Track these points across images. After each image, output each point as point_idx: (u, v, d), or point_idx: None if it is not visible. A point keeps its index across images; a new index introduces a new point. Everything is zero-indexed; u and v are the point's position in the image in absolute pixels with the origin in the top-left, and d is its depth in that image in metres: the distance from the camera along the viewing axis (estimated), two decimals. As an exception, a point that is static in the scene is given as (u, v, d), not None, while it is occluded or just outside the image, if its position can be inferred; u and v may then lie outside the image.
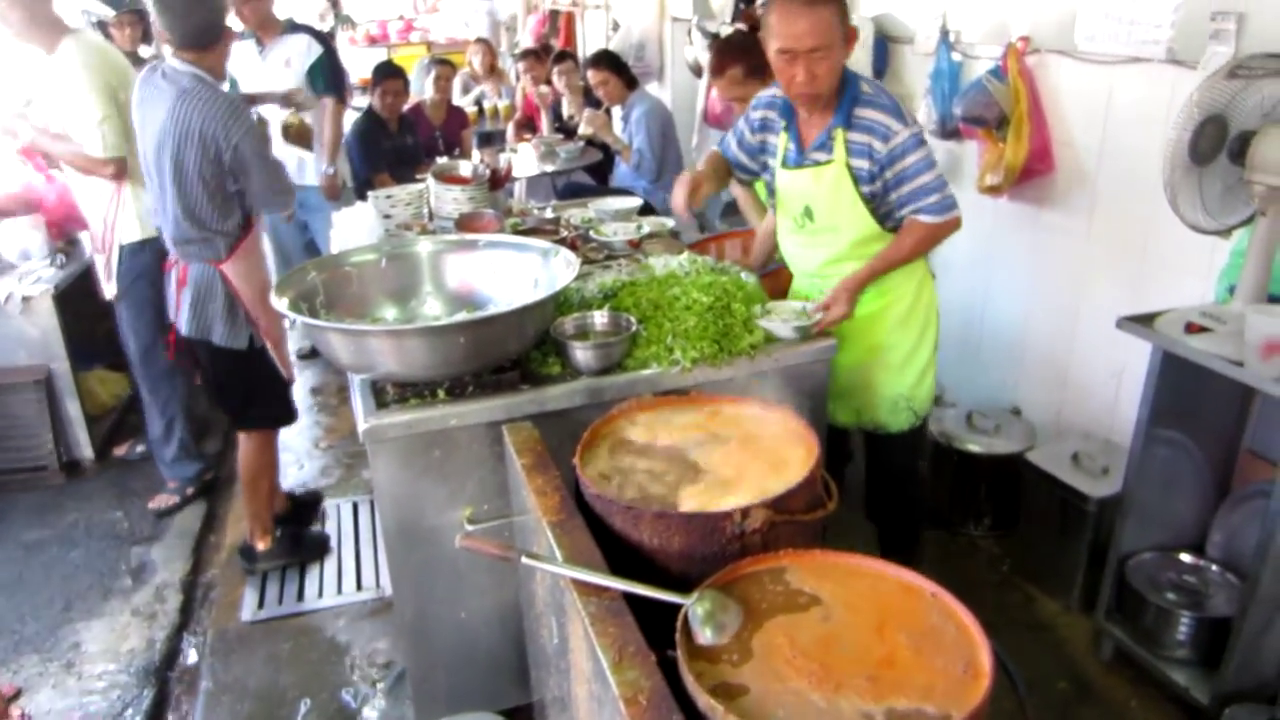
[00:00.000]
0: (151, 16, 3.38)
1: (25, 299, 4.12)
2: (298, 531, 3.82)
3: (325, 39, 4.90)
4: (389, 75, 5.68)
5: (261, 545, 3.64)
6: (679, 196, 2.68)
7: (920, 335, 2.87)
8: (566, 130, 6.71)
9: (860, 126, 2.55)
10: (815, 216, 2.69)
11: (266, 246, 4.31)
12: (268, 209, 3.34)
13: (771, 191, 2.86)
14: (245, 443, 3.50)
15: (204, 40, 3.02)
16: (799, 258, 2.88)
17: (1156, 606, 2.81)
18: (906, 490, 3.12)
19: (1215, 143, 2.49)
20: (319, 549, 3.79)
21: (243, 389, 3.37)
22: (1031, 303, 3.85)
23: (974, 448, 3.58)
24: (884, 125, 2.53)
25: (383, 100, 5.61)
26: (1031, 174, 3.58)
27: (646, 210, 4.47)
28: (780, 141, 2.71)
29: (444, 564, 2.35)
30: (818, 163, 2.63)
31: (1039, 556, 3.38)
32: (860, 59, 4.42)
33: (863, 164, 2.57)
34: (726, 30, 5.39)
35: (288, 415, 3.60)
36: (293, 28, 4.78)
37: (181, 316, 3.21)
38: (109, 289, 3.85)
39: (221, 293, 3.16)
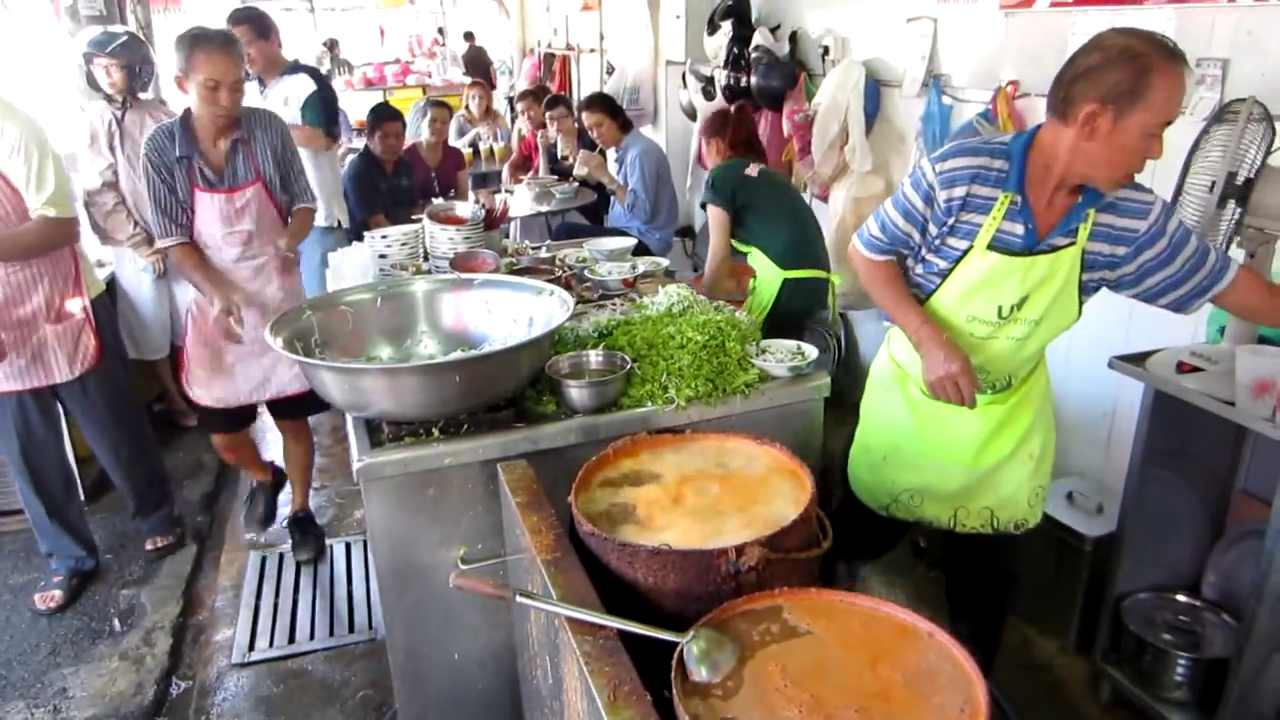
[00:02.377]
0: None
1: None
2: (310, 526, 4.09)
3: (320, 76, 4.95)
4: (387, 118, 5.71)
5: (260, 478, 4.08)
6: None
7: (1051, 416, 2.59)
8: (562, 171, 6.76)
9: (1112, 207, 2.21)
10: (1026, 307, 2.29)
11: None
12: None
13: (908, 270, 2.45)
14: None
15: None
16: (974, 348, 2.38)
17: (1153, 648, 2.80)
18: (1010, 593, 2.81)
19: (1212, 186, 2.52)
20: (311, 548, 4.04)
21: None
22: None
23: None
24: (1137, 202, 2.20)
25: (383, 142, 5.65)
26: (1022, 215, 3.60)
27: (641, 250, 4.49)
28: (989, 222, 2.23)
29: (437, 604, 2.34)
30: (1056, 248, 2.23)
31: (1034, 597, 3.36)
32: (852, 102, 4.48)
33: (1103, 248, 2.24)
34: (721, 76, 5.53)
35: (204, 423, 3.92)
36: (294, 68, 4.84)
37: None
38: (76, 364, 3.47)
39: None
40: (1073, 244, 2.23)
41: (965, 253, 2.28)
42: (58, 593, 3.71)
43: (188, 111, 3.26)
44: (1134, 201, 2.21)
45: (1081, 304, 2.32)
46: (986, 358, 2.38)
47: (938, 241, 2.31)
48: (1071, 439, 3.67)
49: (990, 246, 2.24)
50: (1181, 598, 2.96)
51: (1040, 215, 2.21)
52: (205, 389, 3.49)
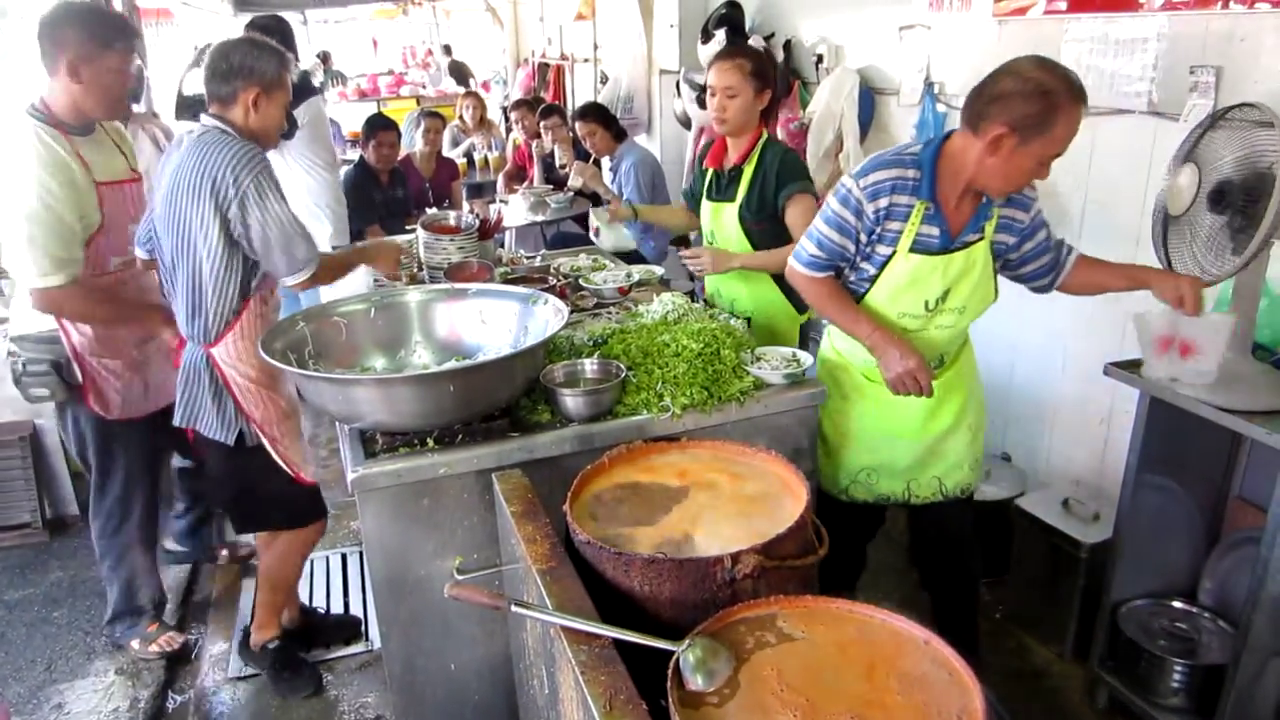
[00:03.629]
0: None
1: (11, 353, 4.05)
2: (296, 657, 3.35)
3: (303, 85, 4.91)
4: (382, 128, 5.72)
5: (258, 636, 3.28)
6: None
7: (980, 391, 2.86)
8: (556, 181, 6.77)
9: (1009, 200, 2.49)
10: (950, 299, 2.53)
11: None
12: (280, 275, 2.65)
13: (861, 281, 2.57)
14: (262, 543, 3.14)
15: (222, 93, 2.62)
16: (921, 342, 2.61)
17: (1150, 654, 2.80)
18: (971, 555, 2.97)
19: (1202, 192, 2.50)
20: (305, 684, 3.28)
21: (233, 487, 2.92)
22: (1018, 349, 3.87)
23: (964, 495, 3.57)
24: (1023, 196, 2.52)
25: (377, 152, 5.65)
26: (1015, 222, 3.61)
27: (636, 259, 4.50)
28: (908, 228, 2.44)
29: (433, 615, 2.33)
30: (968, 244, 2.48)
31: (1031, 603, 3.36)
32: (846, 111, 4.49)
33: (1005, 238, 2.54)
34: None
35: (297, 518, 3.02)
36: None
37: (177, 403, 2.82)
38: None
39: (208, 379, 2.72)
40: (982, 238, 2.49)
41: (890, 257, 2.48)
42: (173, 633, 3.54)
43: (249, 132, 2.66)
44: (1024, 196, 2.52)
45: (996, 285, 2.60)
46: (919, 345, 2.55)
47: (868, 249, 2.51)
48: (1067, 446, 3.67)
49: (911, 249, 2.46)
50: (1178, 604, 2.96)
51: (951, 216, 2.44)
52: (310, 461, 2.97)
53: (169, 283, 2.73)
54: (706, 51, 5.70)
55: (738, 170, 3.23)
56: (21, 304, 3.09)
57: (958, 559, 2.95)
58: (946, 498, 2.78)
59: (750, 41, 5.28)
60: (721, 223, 3.33)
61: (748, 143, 3.21)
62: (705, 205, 3.41)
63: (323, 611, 3.68)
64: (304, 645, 3.43)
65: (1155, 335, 2.51)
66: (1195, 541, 2.97)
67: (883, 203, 2.42)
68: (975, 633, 2.98)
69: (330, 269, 2.77)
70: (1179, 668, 2.76)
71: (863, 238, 2.49)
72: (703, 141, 3.73)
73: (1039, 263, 2.61)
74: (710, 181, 3.39)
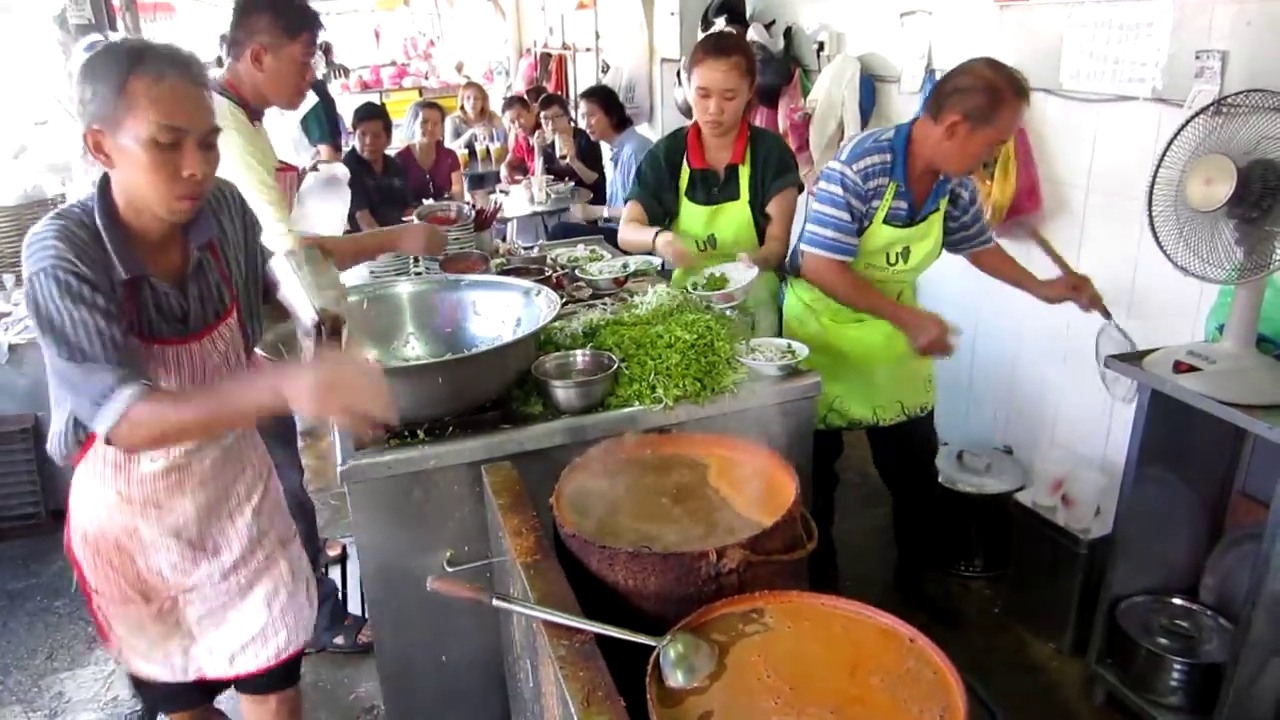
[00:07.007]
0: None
1: (12, 347, 4.08)
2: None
3: (321, 88, 4.91)
4: (366, 117, 5.78)
5: None
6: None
7: None
8: (557, 172, 6.75)
9: (959, 182, 2.94)
10: (909, 258, 2.96)
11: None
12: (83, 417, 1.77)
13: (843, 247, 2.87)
14: None
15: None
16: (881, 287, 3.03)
17: (1148, 651, 2.77)
18: (930, 462, 3.45)
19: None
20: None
21: None
22: (1020, 341, 3.85)
23: (965, 487, 3.56)
24: (968, 178, 2.96)
25: (361, 141, 5.69)
26: (1019, 211, 3.58)
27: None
28: (883, 204, 2.84)
29: (425, 607, 2.31)
30: (928, 215, 2.91)
31: (1031, 598, 3.34)
32: (847, 98, 4.46)
33: (954, 211, 2.99)
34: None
35: None
36: None
37: None
38: None
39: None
40: (937, 210, 2.93)
41: (866, 227, 2.87)
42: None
43: (106, 190, 1.80)
44: (968, 177, 2.97)
45: (941, 243, 3.01)
46: (881, 289, 2.98)
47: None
48: (1068, 439, 3.64)
49: (884, 221, 2.86)
50: (1178, 601, 2.93)
51: (916, 193, 2.85)
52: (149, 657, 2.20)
53: None
54: (707, 40, 5.67)
55: (734, 169, 3.14)
56: None
57: (920, 467, 3.41)
58: (909, 416, 3.17)
59: (750, 29, 5.25)
60: (726, 223, 3.19)
61: (738, 138, 3.13)
62: (695, 209, 3.21)
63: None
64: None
65: (1050, 479, 3.23)
66: (1197, 537, 2.94)
67: (872, 184, 2.80)
68: (932, 532, 3.53)
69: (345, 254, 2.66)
70: (1178, 665, 2.73)
71: (859, 214, 2.83)
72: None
73: (971, 231, 3.04)
74: (693, 181, 3.20)
